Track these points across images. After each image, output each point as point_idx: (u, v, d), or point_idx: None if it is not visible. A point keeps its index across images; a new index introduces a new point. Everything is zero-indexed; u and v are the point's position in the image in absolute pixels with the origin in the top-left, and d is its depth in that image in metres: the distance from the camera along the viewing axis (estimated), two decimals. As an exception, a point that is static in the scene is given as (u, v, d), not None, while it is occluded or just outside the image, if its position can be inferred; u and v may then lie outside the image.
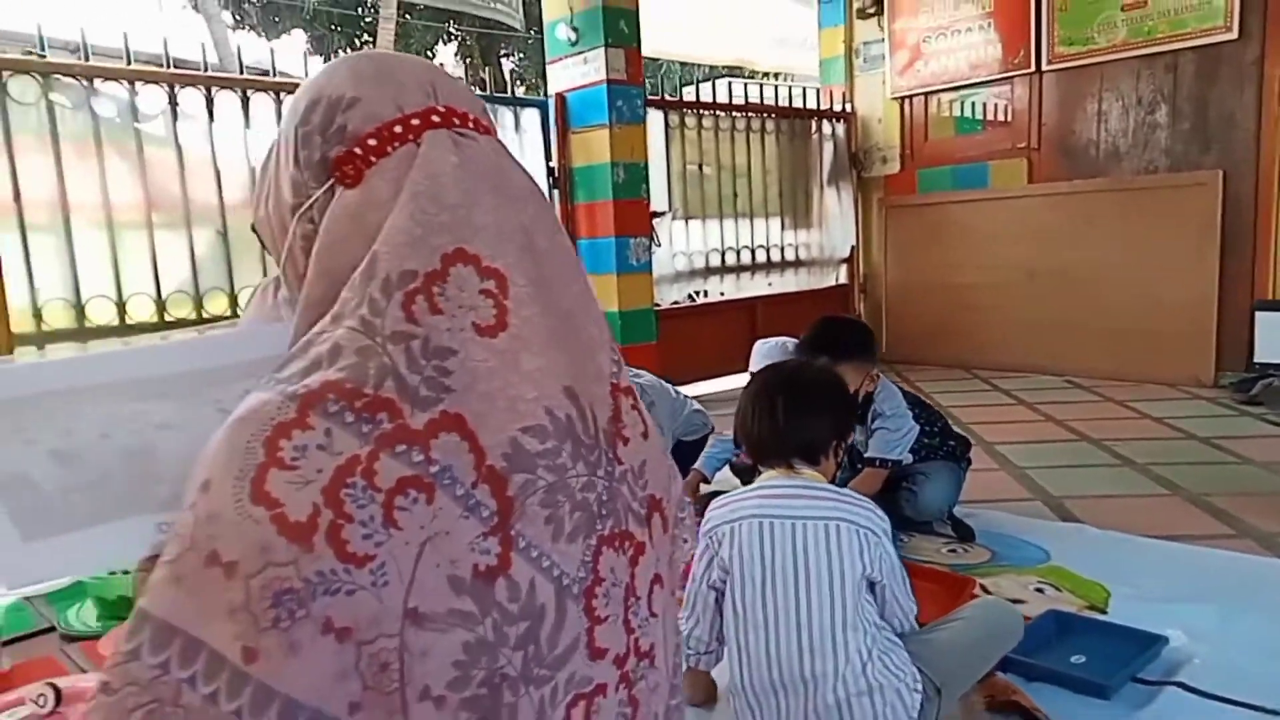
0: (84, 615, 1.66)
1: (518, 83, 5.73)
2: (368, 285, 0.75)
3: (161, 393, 1.00)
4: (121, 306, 3.95)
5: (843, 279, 7.17)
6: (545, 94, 5.60)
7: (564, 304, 0.83)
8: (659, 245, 5.80)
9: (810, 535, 1.53)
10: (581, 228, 5.51)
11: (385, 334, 0.74)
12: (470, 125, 0.85)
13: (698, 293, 6.29)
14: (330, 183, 0.83)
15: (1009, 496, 3.31)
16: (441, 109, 0.84)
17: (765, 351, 3.33)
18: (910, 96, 6.70)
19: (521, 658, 0.73)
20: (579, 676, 0.78)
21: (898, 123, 6.81)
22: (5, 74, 3.61)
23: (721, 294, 6.34)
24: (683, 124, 6.03)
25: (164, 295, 4.06)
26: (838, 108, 6.98)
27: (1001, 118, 6.21)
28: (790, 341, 3.25)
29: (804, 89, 7.10)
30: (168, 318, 4.08)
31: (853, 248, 7.13)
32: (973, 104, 6.38)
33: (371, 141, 0.81)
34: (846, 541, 1.52)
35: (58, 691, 1.31)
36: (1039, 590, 2.41)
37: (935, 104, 6.61)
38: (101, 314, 3.90)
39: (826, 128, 6.95)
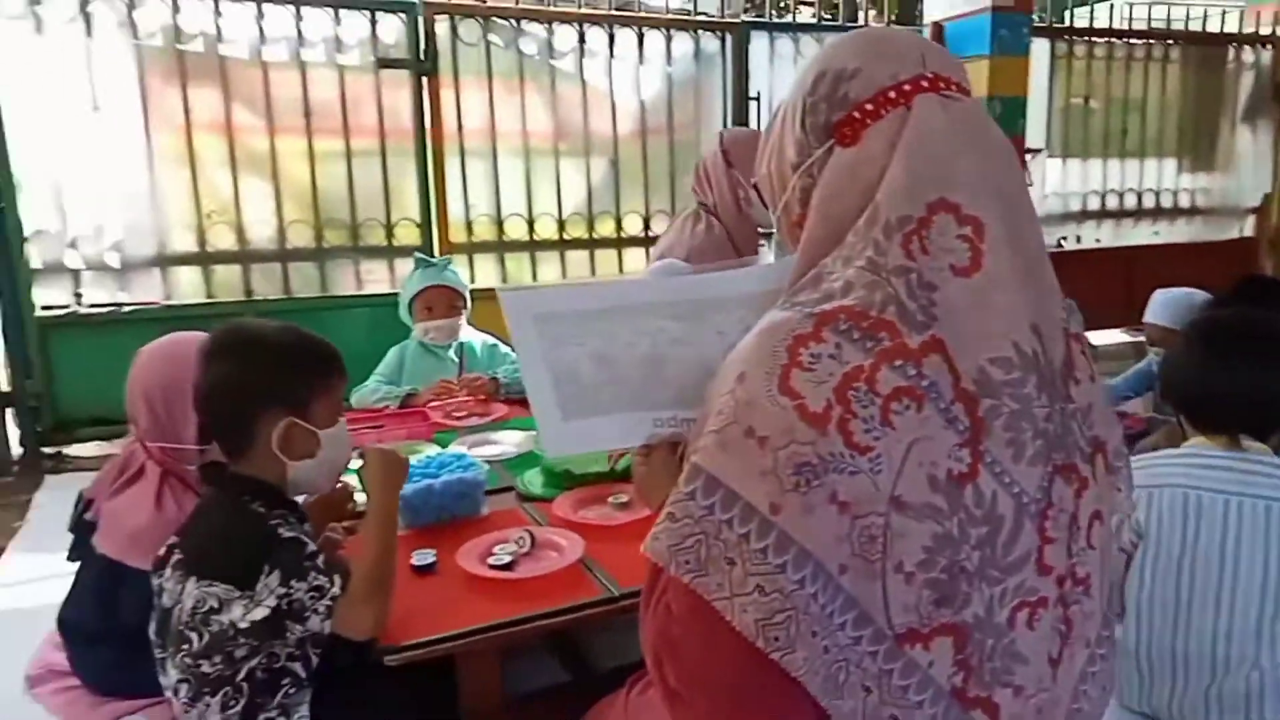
0: (531, 480, 1.96)
1: (871, 7, 5.51)
2: (871, 230, 0.88)
3: (677, 315, 1.19)
4: (531, 224, 4.51)
5: (1248, 231, 6.23)
6: (918, 23, 5.39)
7: (1030, 248, 0.90)
8: (1030, 185, 5.41)
9: (1246, 515, 1.41)
10: (948, 164, 5.30)
11: (889, 269, 0.86)
12: (954, 89, 0.94)
13: (1063, 239, 5.81)
14: (830, 143, 0.95)
15: None
16: (929, 75, 0.93)
17: (1168, 303, 3.03)
18: (1370, 14, 5.56)
19: (979, 557, 0.84)
20: (1026, 585, 0.87)
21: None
22: (457, 18, 4.20)
23: (1097, 240, 5.80)
24: (1070, 54, 5.52)
25: (564, 216, 4.57)
26: (1265, 30, 5.98)
27: None
28: (1199, 295, 2.93)
29: (1222, 11, 6.15)
30: (566, 236, 4.59)
31: (1266, 196, 6.15)
32: None
33: (869, 106, 0.93)
34: None
35: (533, 537, 1.59)
36: None
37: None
38: (515, 230, 4.48)
39: (1248, 55, 6.00)
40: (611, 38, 4.51)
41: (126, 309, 3.85)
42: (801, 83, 1.01)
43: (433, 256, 2.71)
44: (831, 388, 0.82)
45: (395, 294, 4.19)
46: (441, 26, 4.18)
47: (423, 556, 1.53)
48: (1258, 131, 6.10)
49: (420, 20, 4.12)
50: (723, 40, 4.76)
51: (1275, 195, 6.17)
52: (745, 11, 5.15)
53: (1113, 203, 5.82)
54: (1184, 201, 6.04)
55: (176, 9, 3.73)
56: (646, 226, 4.76)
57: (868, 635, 0.83)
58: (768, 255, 2.77)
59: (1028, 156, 5.32)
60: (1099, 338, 5.65)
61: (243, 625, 1.23)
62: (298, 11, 3.89)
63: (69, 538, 1.60)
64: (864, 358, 0.83)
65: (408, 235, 4.29)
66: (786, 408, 0.82)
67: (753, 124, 4.84)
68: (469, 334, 2.78)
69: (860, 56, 0.96)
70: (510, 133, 4.39)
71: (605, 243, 4.70)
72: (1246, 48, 5.99)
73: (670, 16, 4.66)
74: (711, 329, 1.20)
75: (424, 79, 4.17)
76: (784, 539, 0.81)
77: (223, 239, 3.96)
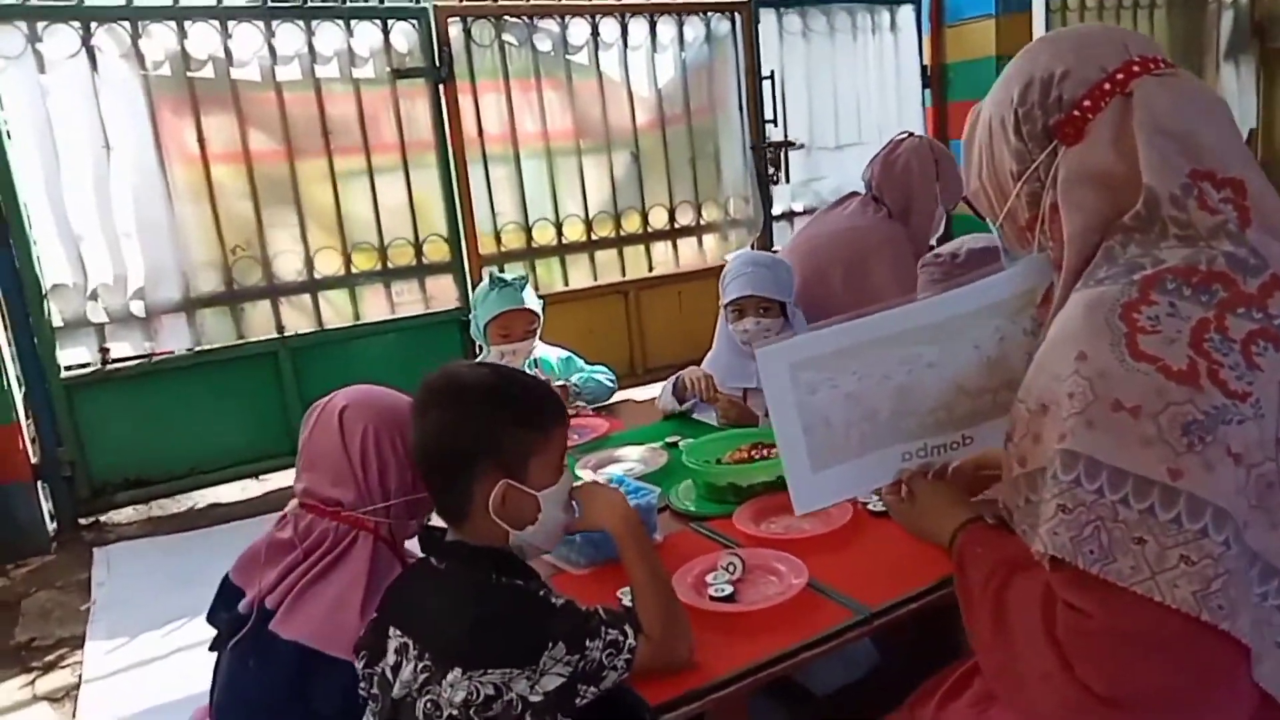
0: (682, 495, 1.87)
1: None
2: (1156, 210, 0.91)
3: (933, 337, 1.17)
4: (559, 227, 4.36)
5: (1235, 168, 6.36)
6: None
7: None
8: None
9: None
10: (959, 128, 5.27)
11: (1202, 231, 0.90)
12: (1163, 65, 0.98)
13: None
14: (1053, 145, 1.00)
15: None
16: (1136, 59, 0.98)
17: None
18: (1346, -55, 5.67)
19: None
20: None
21: (1320, -21, 5.81)
22: (470, 20, 4.01)
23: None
24: (1064, 6, 5.51)
25: (590, 215, 4.43)
26: (1240, -32, 6.06)
27: None
28: None
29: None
30: (593, 236, 4.45)
31: (1251, 131, 6.27)
32: None
33: (1086, 103, 0.98)
34: None
35: (742, 561, 1.51)
36: None
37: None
38: (543, 235, 4.33)
39: (1226, -6, 6.08)
40: (624, 27, 4.36)
41: (155, 359, 3.63)
42: (1004, 97, 1.05)
43: (504, 274, 2.56)
44: (1186, 344, 0.83)
45: (429, 315, 4.07)
46: (454, 30, 3.98)
47: (719, 590, 1.41)
48: (1240, 68, 6.20)
49: (433, 25, 3.92)
50: (733, 21, 4.63)
51: (1260, 128, 6.30)
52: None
53: (1112, 151, 5.87)
54: (1176, 144, 6.12)
55: (184, 34, 3.47)
56: (672, 219, 4.65)
57: (1273, 589, 0.85)
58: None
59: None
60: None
61: (534, 699, 1.14)
62: (308, 26, 3.66)
63: (151, 615, 1.44)
64: (1204, 310, 0.85)
65: (436, 252, 4.11)
66: (1149, 372, 0.82)
67: (767, 102, 4.75)
68: (540, 349, 2.66)
69: (1064, 58, 1.00)
70: (531, 134, 4.23)
71: (633, 239, 4.57)
72: (1224, -13, 6.07)
73: (681, 1, 4.52)
74: (967, 344, 1.19)
75: (440, 86, 3.98)
76: (1196, 503, 0.80)
77: (250, 275, 3.74)
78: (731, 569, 1.49)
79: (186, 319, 3.65)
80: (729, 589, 1.43)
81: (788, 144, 4.82)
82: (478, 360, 2.62)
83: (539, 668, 1.14)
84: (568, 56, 4.25)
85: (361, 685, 1.29)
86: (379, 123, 3.88)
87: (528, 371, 2.64)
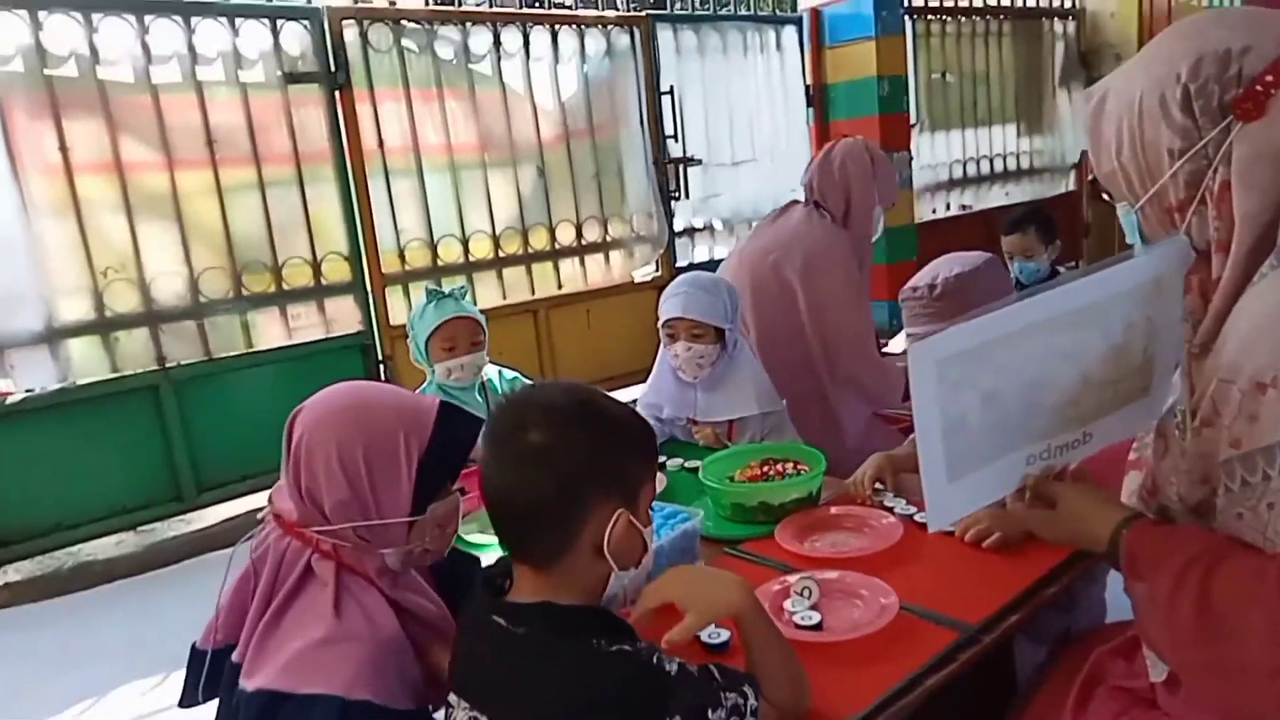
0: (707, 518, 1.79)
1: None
2: None
3: (1067, 325, 1.12)
4: (465, 244, 4.14)
5: (1072, 185, 6.93)
6: (793, 9, 5.49)
7: None
8: (912, 159, 5.69)
9: None
10: (842, 146, 5.44)
11: None
12: None
13: (933, 209, 6.14)
14: (1227, 121, 0.99)
15: None
16: None
17: None
18: (1153, -13, 6.32)
19: None
20: None
21: (1135, 18, 6.45)
22: (366, 23, 3.74)
23: (964, 206, 6.21)
24: (928, 31, 5.84)
25: (497, 232, 4.22)
26: (1067, 4, 6.65)
27: None
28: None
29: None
30: (501, 253, 4.25)
31: (1083, 152, 6.86)
32: (1236, -11, 5.98)
33: (1269, 78, 0.97)
34: None
35: (817, 584, 1.43)
36: None
37: (1185, -8, 6.23)
38: (449, 253, 4.09)
39: (1058, 26, 6.64)
40: (526, 37, 4.21)
41: (10, 400, 3.12)
42: (1165, 74, 1.02)
43: (440, 287, 2.37)
44: None
45: (329, 340, 3.73)
46: (350, 33, 3.70)
47: (714, 635, 1.30)
48: (1072, 94, 6.77)
49: (326, 28, 3.62)
50: (632, 35, 4.58)
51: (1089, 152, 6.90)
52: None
53: (972, 170, 6.26)
54: (1024, 163, 6.61)
55: (38, 25, 3.02)
56: (579, 235, 4.52)
57: None
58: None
59: (913, 131, 5.59)
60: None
61: None
62: (188, 23, 3.29)
63: (42, 705, 1.20)
64: None
65: (335, 271, 3.79)
66: None
67: (666, 118, 4.72)
68: (489, 370, 2.47)
69: (1241, 34, 0.99)
70: (434, 146, 3.99)
71: (541, 256, 4.40)
72: (1057, 20, 6.63)
73: (582, 13, 4.42)
74: (1097, 333, 1.15)
75: (336, 93, 3.68)
76: None
77: (124, 300, 3.30)
78: (808, 594, 1.39)
79: (49, 351, 3.16)
80: (815, 616, 1.32)
81: (687, 160, 4.82)
82: (423, 386, 2.39)
83: None
84: (470, 65, 4.05)
85: None
86: (270, 132, 3.54)
87: (477, 396, 2.47)
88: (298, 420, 1.24)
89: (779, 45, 5.29)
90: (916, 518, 1.70)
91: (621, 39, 4.55)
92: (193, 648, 1.32)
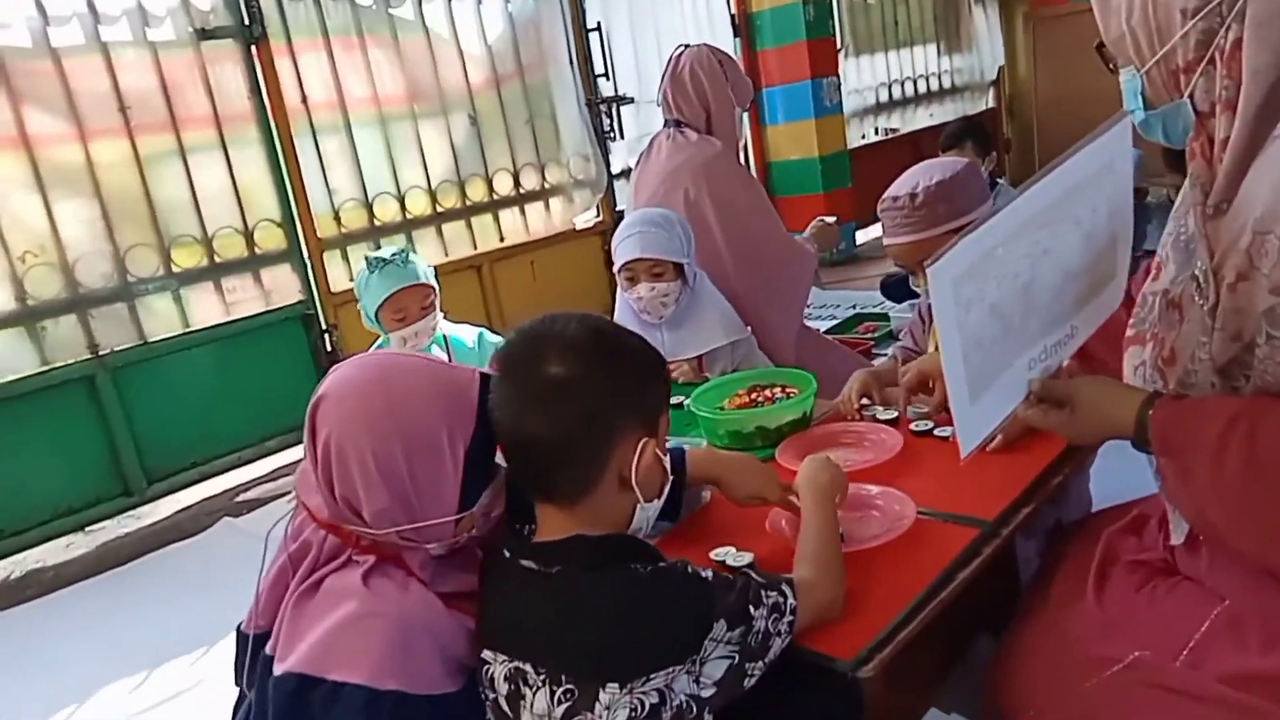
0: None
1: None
2: None
3: (1046, 220, 1.14)
4: (402, 202, 3.99)
5: (991, 102, 7.05)
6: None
7: None
8: (840, 82, 5.69)
9: None
10: (772, 75, 5.41)
11: None
12: None
13: (863, 134, 6.17)
14: None
15: None
16: None
17: None
18: (1065, -103, 6.39)
19: None
20: None
21: (1045, -72, 6.52)
22: (274, -30, 3.53)
23: (890, 130, 6.26)
24: (846, -45, 5.80)
25: (434, 186, 4.09)
26: (978, -82, 6.68)
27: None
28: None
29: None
30: (439, 208, 4.12)
31: (1000, 69, 6.97)
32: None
33: None
34: None
35: None
36: None
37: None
38: (385, 211, 3.94)
39: (970, -58, 6.68)
40: (447, -23, 4.03)
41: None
42: None
43: (380, 252, 2.25)
44: None
45: (270, 312, 3.58)
46: (261, -18, 3.48)
47: (738, 558, 1.29)
48: (988, 10, 6.85)
49: (236, -22, 3.41)
50: (555, -29, 4.43)
51: (1008, 68, 7.01)
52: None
53: (897, 93, 6.30)
54: (945, 83, 6.68)
55: (-86, -12, 2.76)
56: (517, 184, 4.40)
57: None
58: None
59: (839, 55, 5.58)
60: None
61: (705, 694, 1.01)
62: (84, -21, 3.05)
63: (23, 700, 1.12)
64: None
65: (269, 239, 3.61)
66: None
67: (596, 56, 4.61)
68: (447, 327, 2.40)
69: None
70: (361, 100, 3.81)
71: (480, 209, 4.28)
72: (969, -64, 6.66)
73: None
74: (1069, 222, 1.17)
75: (253, 48, 3.47)
76: None
77: (47, 285, 3.08)
78: None
79: (-32, 348, 2.96)
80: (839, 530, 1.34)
81: (620, 99, 4.72)
82: (378, 343, 2.32)
83: (700, 656, 1.00)
84: (390, 10, 3.86)
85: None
86: (186, 93, 3.32)
87: (434, 355, 2.40)
88: (320, 413, 1.11)
89: (700, -27, 5.20)
90: (913, 427, 1.72)
91: (545, -24, 4.40)
92: (238, 630, 1.24)
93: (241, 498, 3.31)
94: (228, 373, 3.46)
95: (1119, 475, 1.57)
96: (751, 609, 1.03)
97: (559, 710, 0.97)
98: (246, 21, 3.43)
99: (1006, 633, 1.44)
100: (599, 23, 4.57)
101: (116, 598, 2.88)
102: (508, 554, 1.08)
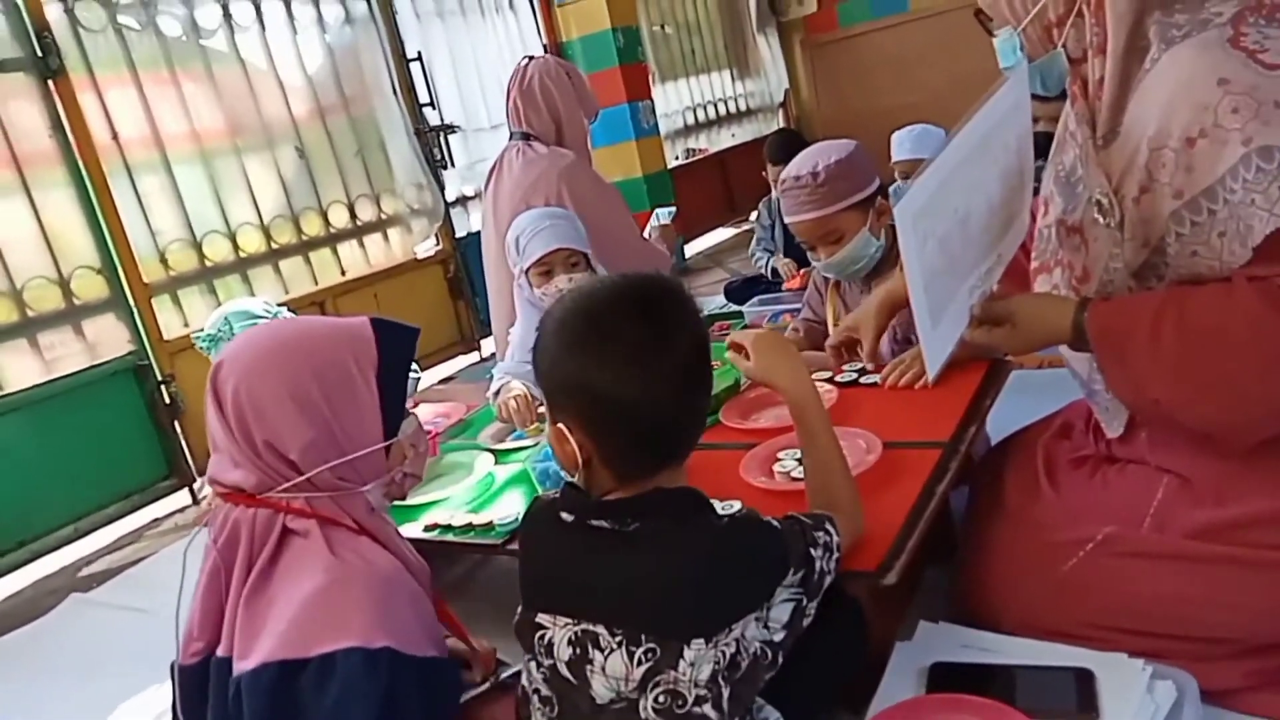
0: None
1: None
2: None
3: (974, 159, 1.29)
4: (233, 239, 3.74)
5: (781, 123, 7.59)
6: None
7: None
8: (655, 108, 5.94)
9: None
10: (589, 101, 5.55)
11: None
12: None
13: (676, 156, 6.44)
14: None
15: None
16: None
17: (909, 137, 3.63)
18: (825, -66, 7.02)
19: None
20: None
21: (812, -36, 7.13)
22: (70, 1, 3.23)
23: (698, 151, 6.59)
24: (641, -17, 6.09)
25: (266, 222, 3.87)
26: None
27: (919, -60, 6.68)
28: (934, 128, 3.64)
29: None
30: (274, 245, 3.90)
31: (786, 91, 7.53)
32: (889, -68, 6.79)
33: None
34: None
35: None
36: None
37: (851, -62, 6.98)
38: (216, 251, 3.69)
39: (749, -25, 7.19)
40: (258, 7, 3.86)
41: None
42: None
43: (250, 309, 2.18)
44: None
45: (95, 367, 3.23)
46: (53, 12, 3.18)
47: (726, 507, 1.37)
48: (770, 39, 7.39)
49: (24, 6, 3.09)
50: (369, 1, 4.35)
51: (793, 91, 7.58)
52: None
53: (701, 116, 6.65)
54: (741, 105, 7.13)
55: None
56: (353, 215, 4.25)
57: None
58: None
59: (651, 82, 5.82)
60: (711, 238, 6.48)
61: (776, 637, 1.05)
62: None
63: None
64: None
65: (89, 288, 3.28)
66: None
67: (419, 85, 4.56)
68: None
69: None
70: (178, 136, 3.56)
71: (317, 243, 4.09)
72: (746, -31, 7.17)
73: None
74: (991, 159, 1.30)
75: (51, 83, 3.16)
76: None
77: None
78: (794, 452, 1.48)
79: None
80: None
81: (446, 127, 4.69)
82: None
83: (770, 601, 1.04)
84: (202, 42, 3.65)
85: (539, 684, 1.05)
86: (-24, 132, 2.98)
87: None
88: (221, 375, 1.11)
89: (512, 5, 5.28)
90: (838, 379, 1.84)
91: (359, 5, 4.30)
92: (172, 666, 1.14)
93: (85, 572, 2.95)
94: (54, 437, 3.09)
95: (1007, 416, 1.75)
96: (811, 551, 1.07)
97: (638, 671, 0.95)
98: (40, 54, 3.12)
99: (963, 547, 1.56)
100: (419, 52, 4.53)
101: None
102: (568, 516, 1.05)
